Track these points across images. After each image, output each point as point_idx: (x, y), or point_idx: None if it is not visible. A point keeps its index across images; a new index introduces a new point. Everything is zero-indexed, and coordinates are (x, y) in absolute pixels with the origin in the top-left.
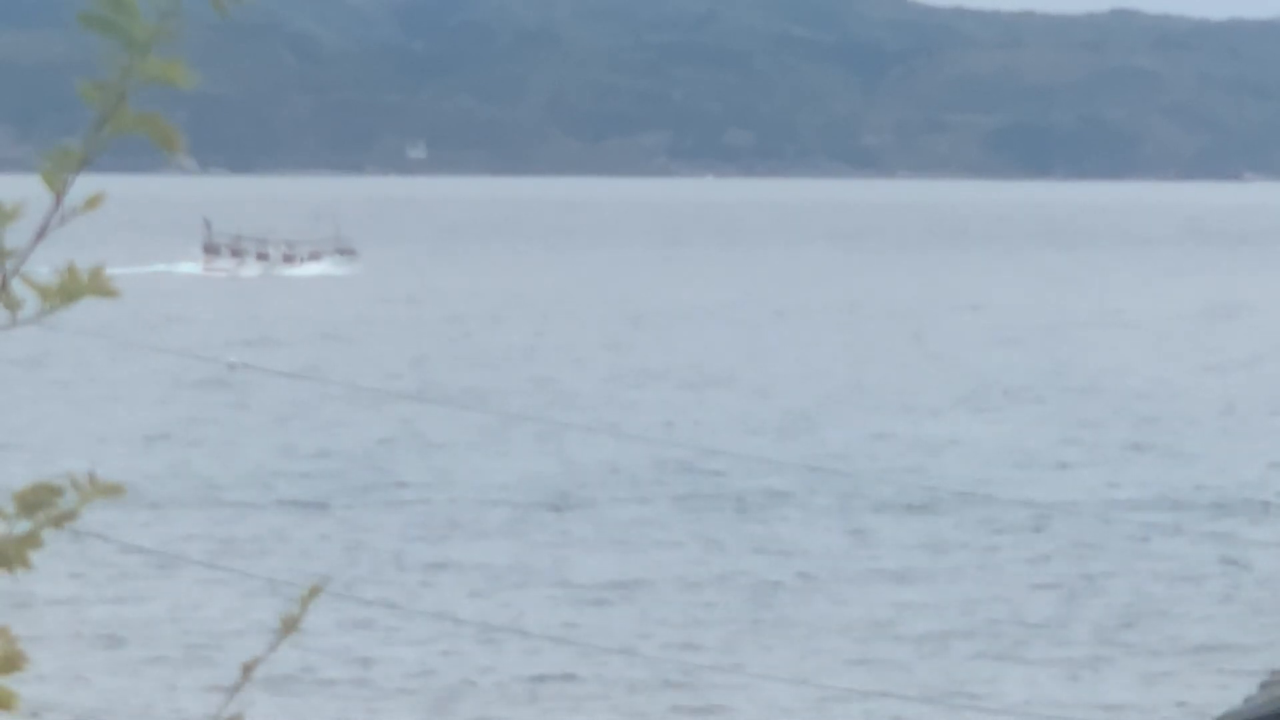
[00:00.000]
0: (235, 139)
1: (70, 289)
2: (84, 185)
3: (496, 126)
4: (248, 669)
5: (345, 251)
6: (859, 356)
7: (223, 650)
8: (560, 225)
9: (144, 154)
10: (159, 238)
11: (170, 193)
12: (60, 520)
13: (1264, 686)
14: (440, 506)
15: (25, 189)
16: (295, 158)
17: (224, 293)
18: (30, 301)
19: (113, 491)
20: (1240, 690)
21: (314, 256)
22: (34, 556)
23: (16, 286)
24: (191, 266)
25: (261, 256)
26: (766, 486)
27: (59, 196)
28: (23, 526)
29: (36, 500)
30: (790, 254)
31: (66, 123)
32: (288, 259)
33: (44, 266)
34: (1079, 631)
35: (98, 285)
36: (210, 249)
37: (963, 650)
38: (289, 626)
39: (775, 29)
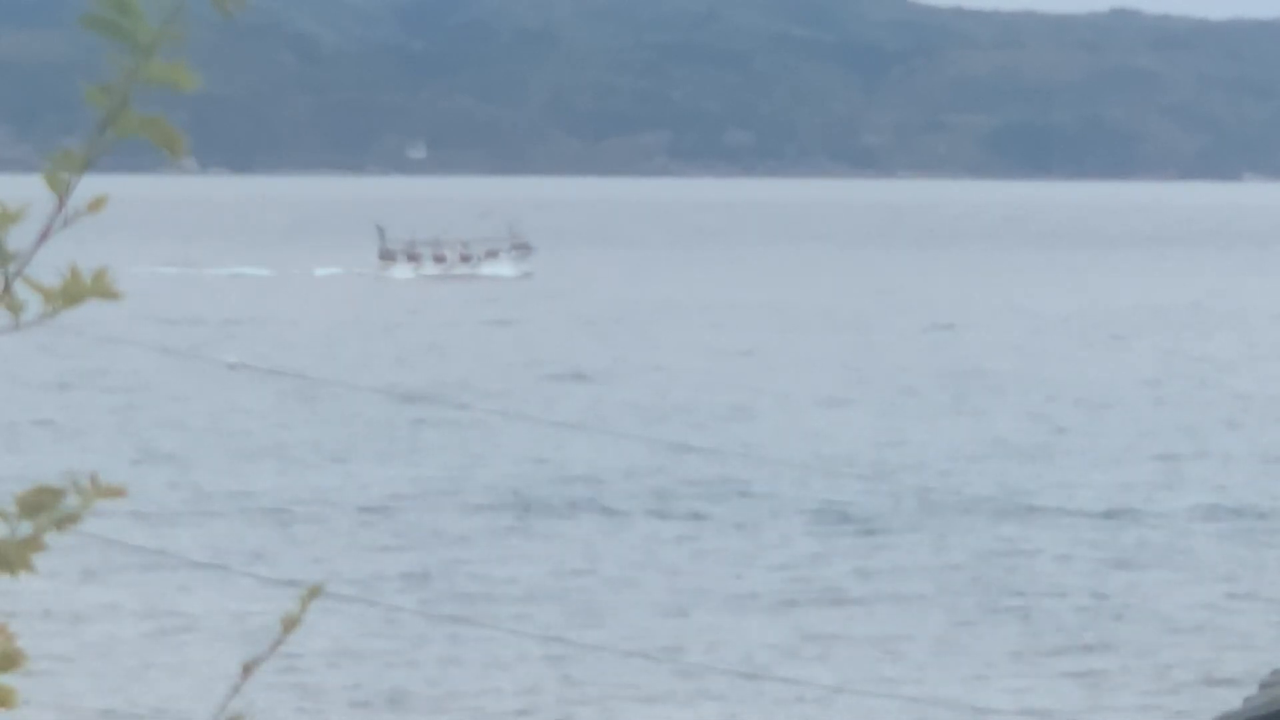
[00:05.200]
0: (235, 139)
1: (72, 291)
2: (83, 185)
3: (496, 126)
4: (248, 669)
5: (520, 247)
6: (858, 356)
7: (223, 650)
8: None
9: (143, 154)
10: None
11: (172, 193)
12: (62, 523)
13: (1264, 686)
14: (444, 508)
15: (26, 189)
16: (295, 158)
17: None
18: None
19: (114, 493)
20: (1240, 690)
21: (490, 255)
22: (35, 558)
23: (20, 289)
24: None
25: (439, 259)
26: (767, 487)
27: (62, 198)
28: (25, 529)
29: (38, 503)
30: (789, 254)
31: (66, 123)
32: (464, 259)
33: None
34: (1079, 633)
35: (100, 287)
36: (386, 255)
37: (963, 652)
38: (289, 626)
39: (775, 29)
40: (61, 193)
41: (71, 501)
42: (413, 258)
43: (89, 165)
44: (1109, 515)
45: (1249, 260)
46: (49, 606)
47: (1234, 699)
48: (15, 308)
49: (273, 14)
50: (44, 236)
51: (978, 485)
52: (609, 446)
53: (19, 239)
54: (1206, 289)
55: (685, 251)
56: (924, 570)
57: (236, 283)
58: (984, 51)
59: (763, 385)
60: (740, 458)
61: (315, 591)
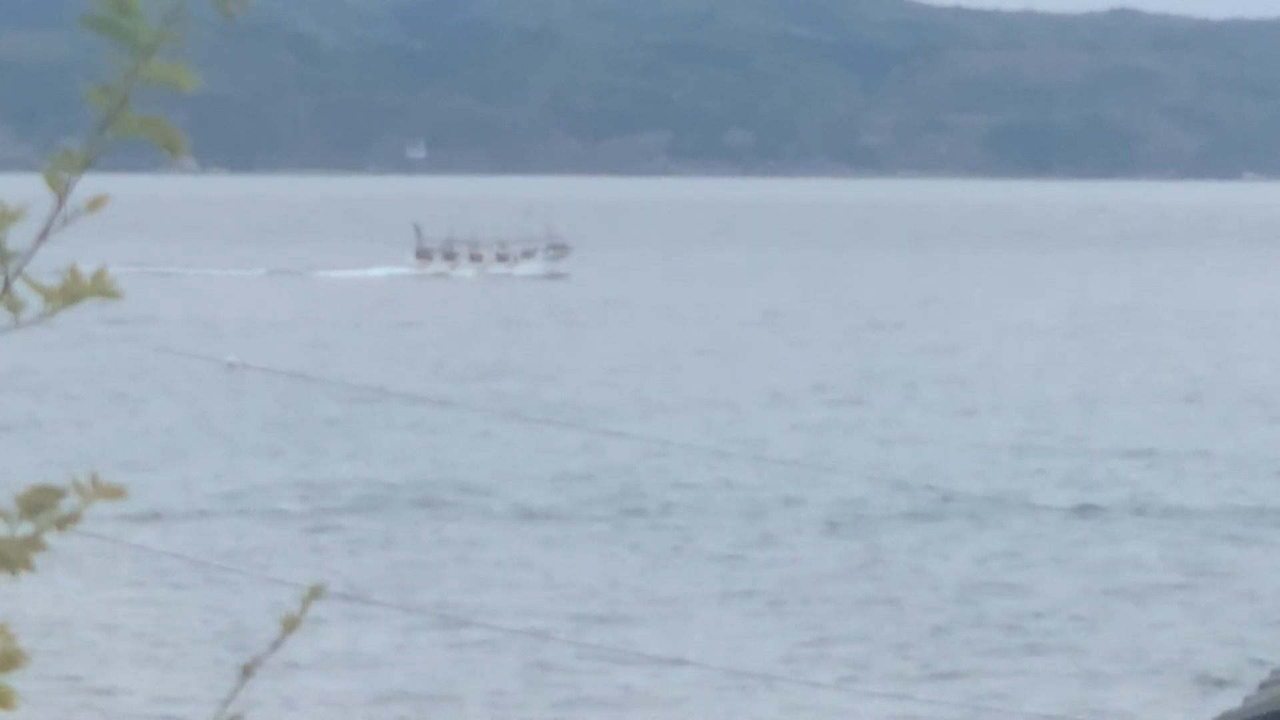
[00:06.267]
0: (235, 139)
1: (72, 291)
2: (82, 185)
3: (496, 126)
4: (248, 669)
5: (557, 247)
6: (856, 356)
7: (223, 651)
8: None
9: (143, 153)
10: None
11: (172, 193)
12: (63, 522)
13: (1264, 686)
14: (442, 508)
15: (26, 188)
16: (295, 158)
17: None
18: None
19: (114, 494)
20: (1240, 690)
21: (527, 255)
22: (36, 558)
23: (19, 288)
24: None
25: (475, 258)
26: (767, 487)
27: (61, 198)
28: (25, 528)
29: (39, 502)
30: (789, 254)
31: (66, 122)
32: (501, 258)
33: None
34: (1077, 633)
35: (100, 287)
36: (423, 254)
37: (962, 651)
38: (289, 627)
39: (775, 29)
40: (61, 192)
41: (71, 501)
42: (449, 256)
43: (89, 165)
44: (1107, 515)
45: (1250, 260)
46: (49, 607)
47: (1234, 699)
48: (15, 307)
49: (273, 14)
50: (44, 236)
51: (977, 485)
52: (607, 446)
53: (19, 239)
54: (1206, 289)
55: (686, 251)
56: (923, 570)
57: (242, 283)
58: (984, 51)
59: (762, 385)
60: (740, 458)
61: (316, 592)
